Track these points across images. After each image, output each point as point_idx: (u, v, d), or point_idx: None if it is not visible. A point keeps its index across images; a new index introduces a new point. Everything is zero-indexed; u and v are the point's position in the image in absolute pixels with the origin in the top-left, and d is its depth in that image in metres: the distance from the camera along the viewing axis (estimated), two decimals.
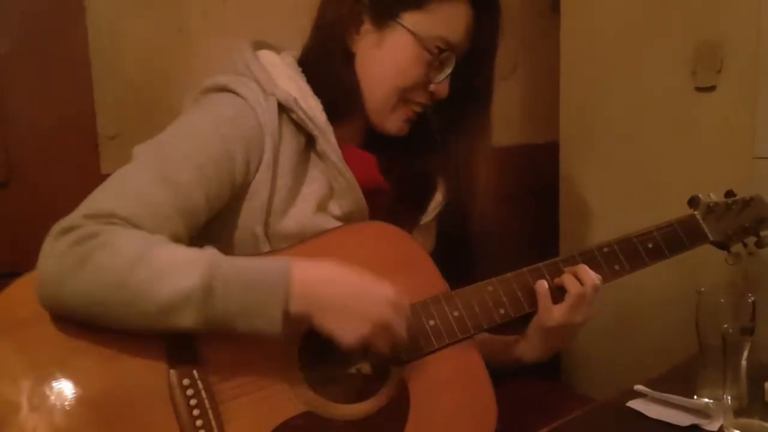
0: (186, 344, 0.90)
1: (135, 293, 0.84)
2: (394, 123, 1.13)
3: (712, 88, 1.54)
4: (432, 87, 1.11)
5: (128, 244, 0.87)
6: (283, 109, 1.04)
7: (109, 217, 0.89)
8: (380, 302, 0.92)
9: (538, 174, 1.99)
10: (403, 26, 1.07)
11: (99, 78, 1.43)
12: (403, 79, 1.09)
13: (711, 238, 1.21)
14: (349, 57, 1.10)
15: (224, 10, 1.56)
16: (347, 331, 0.90)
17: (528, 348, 1.17)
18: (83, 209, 0.90)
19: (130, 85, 1.47)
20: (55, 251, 0.86)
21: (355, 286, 0.93)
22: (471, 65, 1.12)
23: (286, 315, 0.87)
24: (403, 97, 1.11)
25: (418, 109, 1.13)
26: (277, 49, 1.13)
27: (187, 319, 0.85)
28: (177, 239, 0.93)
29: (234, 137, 1.00)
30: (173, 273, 0.85)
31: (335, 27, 1.10)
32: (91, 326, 0.87)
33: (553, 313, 1.08)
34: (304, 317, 0.90)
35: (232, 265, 0.88)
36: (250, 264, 0.90)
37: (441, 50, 1.08)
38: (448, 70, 1.10)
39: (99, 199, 0.92)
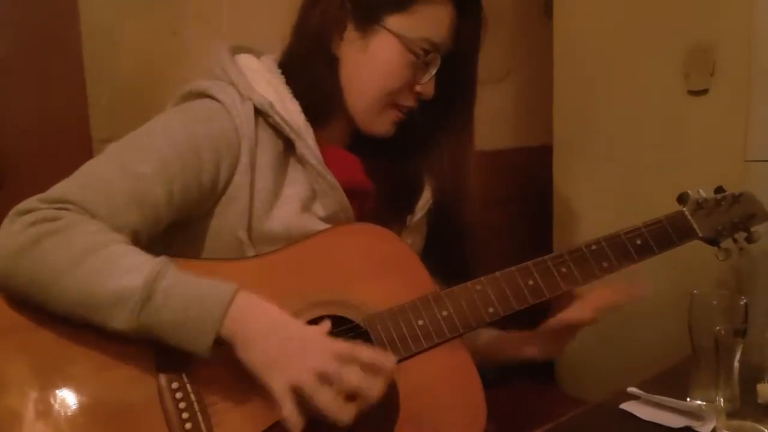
0: (176, 349, 0.89)
1: (76, 282, 0.85)
2: (381, 126, 1.12)
3: (704, 92, 1.55)
4: (418, 88, 1.11)
5: (81, 236, 0.87)
6: (259, 113, 1.04)
7: (62, 202, 0.90)
8: (323, 351, 0.85)
9: (531, 177, 2.00)
10: (387, 29, 1.07)
11: (93, 81, 1.44)
12: (390, 82, 1.09)
13: (700, 234, 1.19)
14: (333, 62, 1.10)
15: (219, 14, 1.56)
16: (274, 373, 0.84)
17: (540, 346, 1.18)
18: (41, 195, 0.91)
19: (124, 87, 1.47)
20: (8, 231, 0.88)
21: (300, 331, 0.88)
22: (454, 64, 1.12)
23: (218, 339, 0.86)
24: (390, 100, 1.10)
25: (405, 111, 1.12)
26: (257, 52, 1.13)
27: (118, 320, 0.85)
28: (133, 230, 0.93)
29: (202, 135, 1.00)
30: (118, 271, 0.85)
31: (319, 33, 1.09)
32: (82, 332, 0.87)
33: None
34: (229, 343, 0.85)
35: (178, 278, 0.87)
36: (197, 281, 0.88)
37: (426, 51, 1.08)
38: (434, 71, 1.09)
39: (59, 186, 0.93)
